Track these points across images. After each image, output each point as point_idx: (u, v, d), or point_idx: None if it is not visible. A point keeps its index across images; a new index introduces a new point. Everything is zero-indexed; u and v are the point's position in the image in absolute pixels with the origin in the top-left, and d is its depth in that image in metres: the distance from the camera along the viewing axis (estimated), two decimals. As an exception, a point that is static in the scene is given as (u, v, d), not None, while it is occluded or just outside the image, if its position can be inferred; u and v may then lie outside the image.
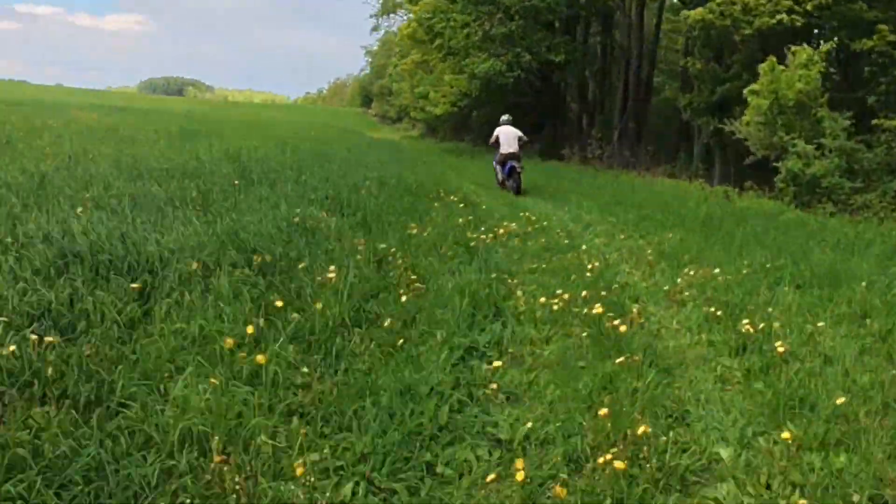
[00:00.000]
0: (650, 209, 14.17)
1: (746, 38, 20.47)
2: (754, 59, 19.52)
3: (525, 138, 18.08)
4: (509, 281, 7.63)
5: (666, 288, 7.71)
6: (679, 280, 7.92)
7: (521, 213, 13.03)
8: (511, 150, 17.41)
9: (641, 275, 8.59)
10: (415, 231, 9.32)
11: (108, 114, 33.87)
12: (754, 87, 18.15)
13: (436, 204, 12.57)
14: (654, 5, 31.43)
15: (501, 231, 10.60)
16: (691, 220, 12.63)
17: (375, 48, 78.49)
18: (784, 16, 19.04)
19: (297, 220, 8.53)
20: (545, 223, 12.23)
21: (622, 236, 11.23)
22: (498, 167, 18.22)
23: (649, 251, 9.78)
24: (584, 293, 6.95)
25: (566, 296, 6.80)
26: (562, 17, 31.39)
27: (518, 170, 17.36)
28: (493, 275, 7.52)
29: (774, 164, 17.66)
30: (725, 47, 22.84)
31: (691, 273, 8.21)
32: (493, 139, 18.08)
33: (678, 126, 30.94)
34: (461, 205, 13.17)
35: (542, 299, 6.81)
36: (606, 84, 33.92)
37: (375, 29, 72.68)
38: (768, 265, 8.73)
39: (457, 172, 22.63)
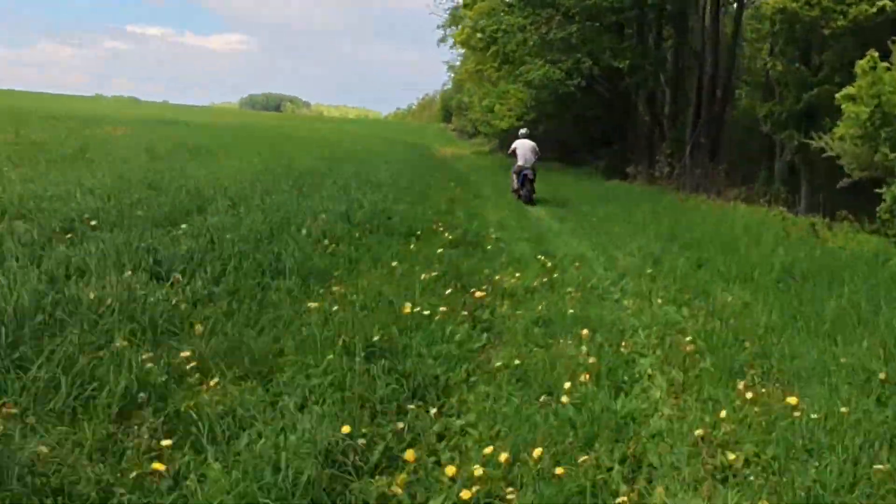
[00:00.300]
0: (712, 250, 10.67)
1: (839, 32, 16.40)
2: (849, 58, 15.44)
3: (539, 152, 19.40)
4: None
5: (699, 433, 4.32)
6: (725, 413, 4.53)
7: (541, 256, 9.87)
8: (524, 164, 18.54)
9: (667, 390, 5.21)
10: (314, 305, 6.14)
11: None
12: (849, 90, 14.04)
13: (412, 247, 9.35)
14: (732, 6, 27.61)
15: (481, 294, 7.30)
16: (763, 272, 9.06)
17: (458, 63, 76.42)
18: (888, 2, 15.04)
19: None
20: (565, 271, 9.13)
21: (659, 300, 7.80)
22: (514, 176, 19.11)
23: (690, 335, 6.37)
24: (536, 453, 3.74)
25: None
26: (627, 18, 27.88)
27: (530, 177, 18.40)
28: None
29: (876, 189, 13.83)
30: (813, 44, 18.70)
31: (748, 395, 4.82)
32: (510, 150, 19.48)
33: (759, 142, 26.91)
34: (468, 246, 10.12)
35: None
36: (679, 95, 29.92)
37: (443, 40, 70.07)
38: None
39: (496, 194, 19.39)
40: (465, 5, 34.23)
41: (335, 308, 6.04)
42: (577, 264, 9.62)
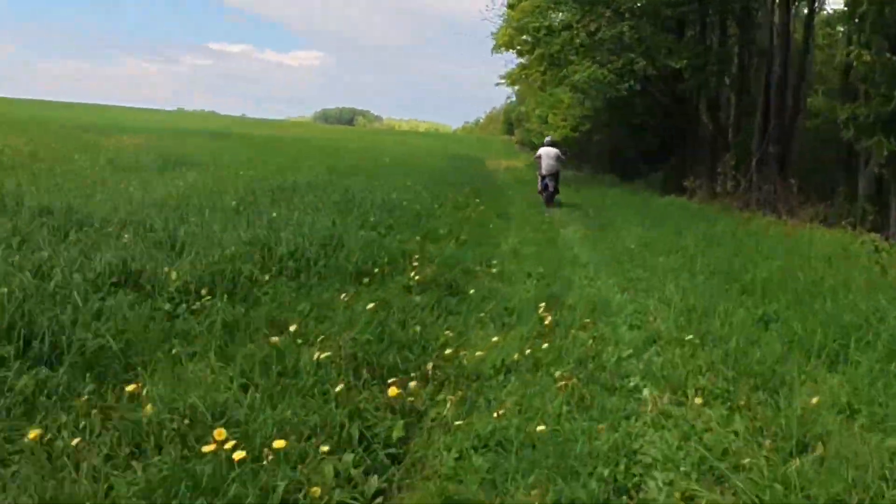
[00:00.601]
0: (783, 299, 7.58)
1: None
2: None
3: (563, 157, 21.11)
4: None
5: None
6: None
7: (544, 303, 7.00)
8: (547, 171, 19.76)
9: None
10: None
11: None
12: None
13: (345, 297, 6.48)
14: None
15: (401, 390, 4.49)
16: (863, 344, 5.93)
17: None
18: None
19: None
20: (570, 331, 6.29)
21: (699, 397, 4.83)
22: (539, 179, 20.25)
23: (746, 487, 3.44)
24: None
25: None
26: (686, 14, 24.66)
27: (550, 187, 19.70)
28: None
29: None
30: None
31: None
32: (536, 156, 20.97)
33: (837, 151, 23.27)
34: (443, 289, 7.45)
35: None
36: (745, 99, 26.33)
37: (496, 48, 67.70)
38: None
39: (527, 211, 16.57)
40: (510, 5, 31.15)
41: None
42: (589, 319, 6.68)
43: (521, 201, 19.80)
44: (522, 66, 33.37)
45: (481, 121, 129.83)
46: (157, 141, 28.01)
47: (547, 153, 19.97)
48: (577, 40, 23.90)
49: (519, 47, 30.31)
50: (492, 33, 53.26)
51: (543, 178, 19.73)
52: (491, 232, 12.38)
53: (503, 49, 33.43)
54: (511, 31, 30.20)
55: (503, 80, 52.42)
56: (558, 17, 25.02)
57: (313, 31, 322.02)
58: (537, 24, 25.29)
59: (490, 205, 16.87)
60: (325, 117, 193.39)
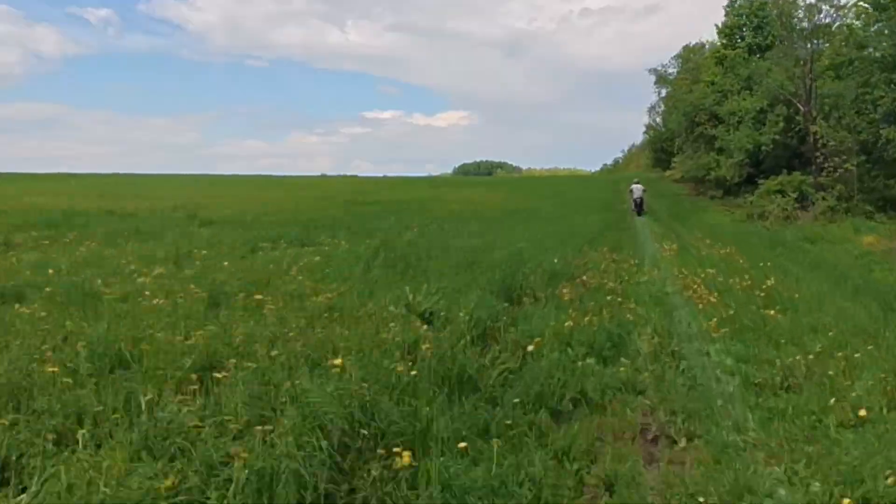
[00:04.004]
0: None
1: None
2: None
3: (645, 189, 36.49)
4: None
5: None
6: None
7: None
8: (637, 195, 35.49)
9: None
10: None
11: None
12: None
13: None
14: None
15: None
16: None
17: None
18: None
19: None
20: None
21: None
22: (632, 203, 35.84)
23: None
24: None
25: None
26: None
27: (638, 202, 35.27)
28: None
29: None
30: None
31: None
32: (629, 190, 37.16)
33: None
34: None
35: None
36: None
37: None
38: None
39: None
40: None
41: None
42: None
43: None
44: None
45: (620, 161, 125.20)
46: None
47: (636, 188, 35.90)
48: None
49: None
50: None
51: (635, 201, 35.19)
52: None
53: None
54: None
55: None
56: None
57: (461, 93, 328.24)
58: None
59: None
60: (465, 171, 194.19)
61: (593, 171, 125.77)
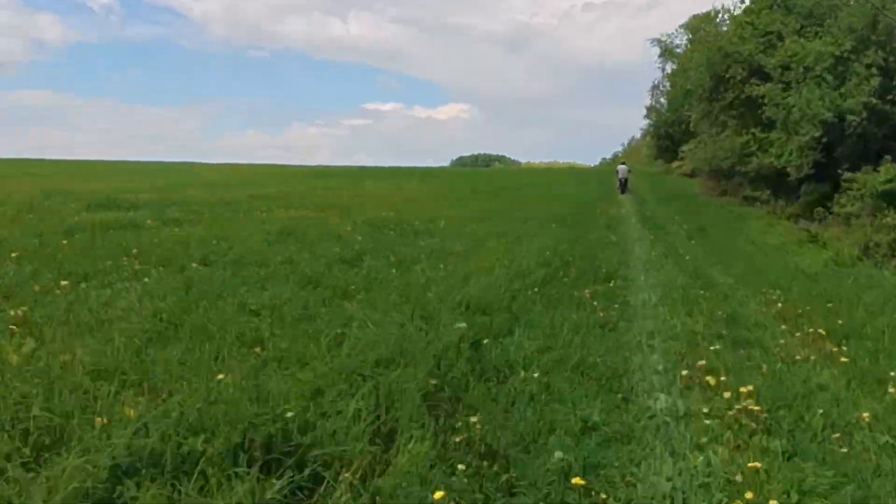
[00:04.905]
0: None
1: None
2: None
3: (630, 170, 39.24)
4: None
5: None
6: None
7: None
8: (622, 176, 37.05)
9: None
10: None
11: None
12: None
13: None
14: None
15: None
16: None
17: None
18: None
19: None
20: None
21: None
22: (617, 181, 37.04)
23: None
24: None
25: None
26: None
27: (623, 180, 36.62)
28: None
29: None
30: None
31: None
32: (615, 171, 39.44)
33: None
34: None
35: None
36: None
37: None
38: None
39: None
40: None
41: None
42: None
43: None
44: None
45: (619, 156, 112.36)
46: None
47: (622, 168, 38.43)
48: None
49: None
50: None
51: (620, 181, 36.89)
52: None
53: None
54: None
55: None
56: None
57: (462, 87, 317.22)
58: None
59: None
60: (462, 164, 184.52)
61: (593, 165, 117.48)
